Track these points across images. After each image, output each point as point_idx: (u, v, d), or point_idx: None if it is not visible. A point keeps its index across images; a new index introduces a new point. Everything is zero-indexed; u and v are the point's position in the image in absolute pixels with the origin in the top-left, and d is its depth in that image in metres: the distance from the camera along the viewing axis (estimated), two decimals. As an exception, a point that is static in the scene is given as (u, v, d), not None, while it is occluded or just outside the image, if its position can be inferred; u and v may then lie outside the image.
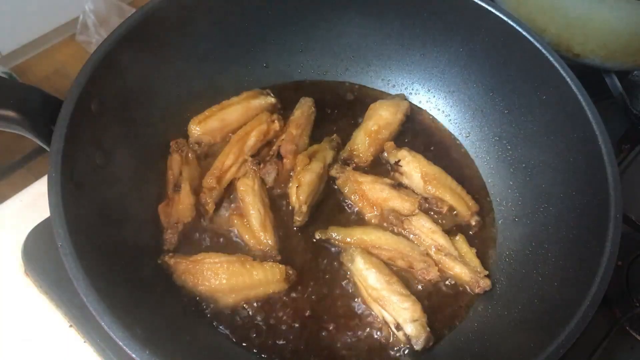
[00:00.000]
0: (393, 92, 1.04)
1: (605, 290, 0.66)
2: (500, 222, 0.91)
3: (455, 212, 0.89)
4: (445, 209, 0.88)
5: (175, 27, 0.85)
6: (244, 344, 0.76)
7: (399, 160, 0.92)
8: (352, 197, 0.90)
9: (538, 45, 0.84)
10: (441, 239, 0.85)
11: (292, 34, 0.99)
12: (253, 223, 0.84)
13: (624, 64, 1.01)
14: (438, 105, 1.02)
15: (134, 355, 0.57)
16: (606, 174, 0.74)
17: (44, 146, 0.67)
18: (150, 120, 0.86)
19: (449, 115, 1.01)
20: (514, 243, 0.88)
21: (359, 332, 0.79)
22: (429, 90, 1.02)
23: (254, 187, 0.86)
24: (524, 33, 0.84)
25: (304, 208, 0.85)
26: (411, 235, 0.86)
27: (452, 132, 1.00)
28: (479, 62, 0.94)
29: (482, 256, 0.87)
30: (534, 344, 0.66)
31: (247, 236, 0.84)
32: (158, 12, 0.81)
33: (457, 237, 0.87)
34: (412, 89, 1.03)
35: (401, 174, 0.92)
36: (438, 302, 0.83)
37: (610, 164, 0.74)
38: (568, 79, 0.81)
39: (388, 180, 0.90)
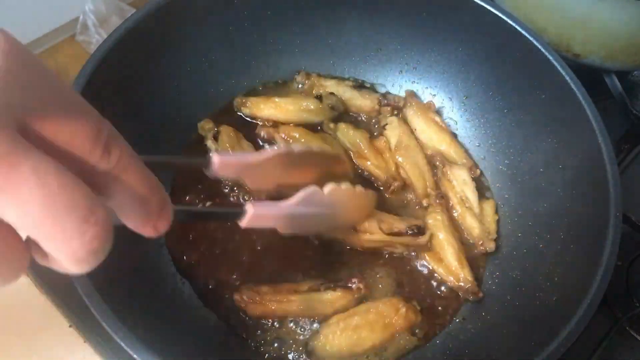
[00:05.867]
0: (392, 91, 1.04)
1: (605, 290, 0.65)
2: (499, 221, 0.91)
3: (411, 189, 0.91)
4: (397, 183, 0.90)
5: (174, 28, 0.85)
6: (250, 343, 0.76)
7: (386, 124, 0.96)
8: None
9: (538, 45, 0.84)
10: (470, 193, 0.89)
11: (291, 34, 0.99)
12: (449, 260, 0.82)
13: (624, 64, 1.01)
14: (436, 105, 1.02)
15: (135, 356, 0.57)
16: (606, 174, 0.74)
17: (44, 146, 0.67)
18: (152, 122, 0.86)
19: (448, 114, 1.01)
20: (514, 242, 0.87)
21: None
22: (427, 89, 1.02)
23: (444, 221, 0.85)
24: (524, 33, 0.84)
25: None
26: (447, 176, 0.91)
27: (451, 131, 1.00)
28: (478, 62, 0.94)
29: (481, 256, 0.87)
30: (534, 343, 0.66)
31: (442, 271, 0.83)
32: (158, 12, 0.81)
33: (490, 199, 0.91)
34: (411, 89, 1.03)
35: (384, 137, 0.96)
36: (437, 302, 0.83)
37: (610, 163, 0.74)
38: (568, 79, 0.81)
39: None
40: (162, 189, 0.41)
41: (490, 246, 0.86)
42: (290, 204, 0.61)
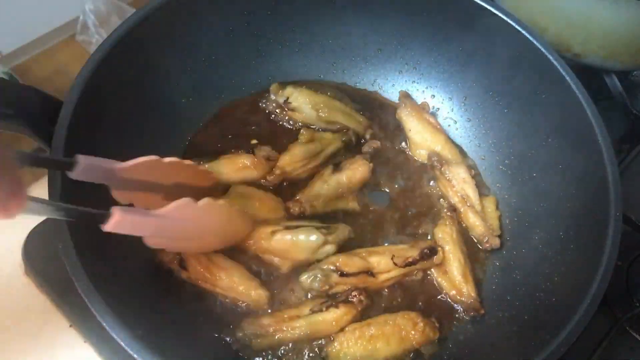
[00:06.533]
0: (392, 91, 1.04)
1: (605, 290, 0.66)
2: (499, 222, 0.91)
3: (350, 130, 0.93)
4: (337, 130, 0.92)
5: (174, 28, 0.85)
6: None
7: (288, 98, 0.93)
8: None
9: (538, 45, 0.84)
10: (470, 191, 0.89)
11: (291, 34, 0.99)
12: (454, 273, 0.82)
13: (624, 64, 1.01)
14: (436, 105, 1.02)
15: (135, 356, 0.57)
16: (606, 174, 0.74)
17: (44, 147, 0.67)
18: (152, 121, 0.86)
19: (449, 114, 1.01)
20: (514, 242, 0.88)
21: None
22: (427, 89, 1.02)
23: (452, 235, 0.85)
24: (524, 33, 0.84)
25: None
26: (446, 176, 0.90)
27: (451, 131, 1.00)
28: (478, 62, 0.94)
29: (481, 256, 0.87)
30: (534, 343, 0.66)
31: (446, 285, 0.82)
32: (158, 12, 0.81)
33: (489, 196, 0.92)
34: (411, 88, 1.03)
35: (293, 110, 0.93)
36: (438, 303, 0.83)
37: (610, 163, 0.74)
38: (568, 79, 0.81)
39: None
40: (15, 173, 0.41)
41: (495, 243, 0.86)
42: (161, 212, 0.58)
